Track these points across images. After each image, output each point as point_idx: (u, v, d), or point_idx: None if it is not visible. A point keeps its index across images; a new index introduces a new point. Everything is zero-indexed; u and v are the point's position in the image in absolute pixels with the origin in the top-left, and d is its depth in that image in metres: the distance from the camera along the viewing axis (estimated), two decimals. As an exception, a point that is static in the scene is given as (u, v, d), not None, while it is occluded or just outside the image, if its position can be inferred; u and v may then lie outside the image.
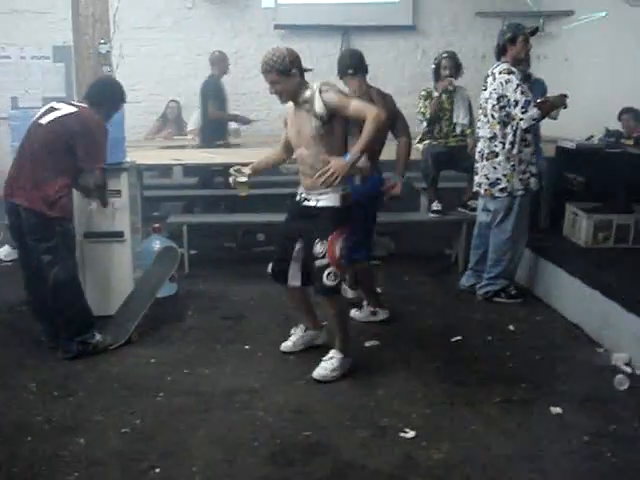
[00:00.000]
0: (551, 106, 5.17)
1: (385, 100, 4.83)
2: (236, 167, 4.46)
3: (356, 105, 3.95)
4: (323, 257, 4.08)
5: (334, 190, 4.04)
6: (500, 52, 5.28)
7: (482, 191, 5.39)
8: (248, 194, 4.50)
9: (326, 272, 4.08)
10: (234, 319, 5.24)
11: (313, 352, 4.57)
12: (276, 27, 9.51)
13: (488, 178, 5.30)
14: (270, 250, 6.55)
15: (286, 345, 4.63)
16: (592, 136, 6.63)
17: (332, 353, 4.28)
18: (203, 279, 6.10)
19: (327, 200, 4.07)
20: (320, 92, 3.94)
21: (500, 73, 5.16)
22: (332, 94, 3.94)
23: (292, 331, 4.71)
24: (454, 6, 9.65)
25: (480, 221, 5.60)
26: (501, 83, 5.12)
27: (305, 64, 9.26)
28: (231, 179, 4.43)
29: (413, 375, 4.25)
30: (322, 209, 4.10)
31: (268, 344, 4.74)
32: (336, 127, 4.01)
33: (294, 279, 4.37)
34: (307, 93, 4.00)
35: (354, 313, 5.06)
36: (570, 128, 6.98)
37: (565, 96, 5.22)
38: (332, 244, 4.07)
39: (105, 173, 4.51)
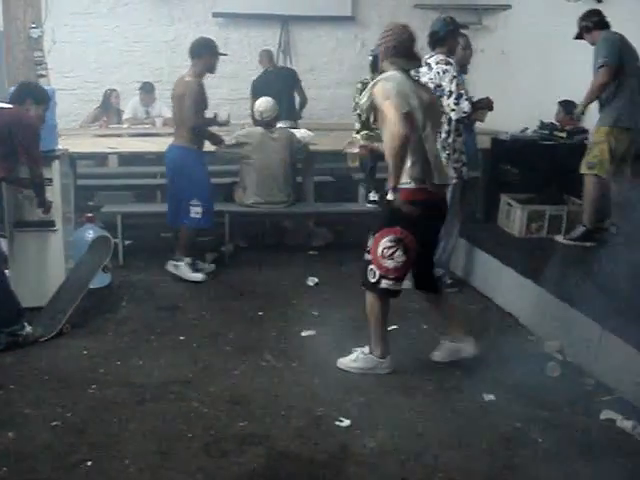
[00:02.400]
0: (481, 107, 5.30)
1: None
2: (352, 139, 4.42)
3: (387, 111, 3.78)
4: (368, 252, 4.04)
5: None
6: (437, 42, 5.29)
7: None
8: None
9: (369, 267, 4.02)
10: (169, 310, 5.18)
11: (248, 342, 4.56)
12: (214, 15, 9.40)
13: None
14: (208, 240, 6.52)
15: (434, 354, 4.38)
16: (526, 128, 6.74)
17: (362, 348, 4.22)
18: (138, 270, 6.00)
19: (391, 193, 3.91)
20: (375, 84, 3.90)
21: (437, 63, 5.19)
22: (378, 88, 3.86)
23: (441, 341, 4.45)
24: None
25: None
26: (438, 73, 5.16)
27: (243, 53, 9.22)
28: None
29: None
30: (387, 200, 3.96)
31: (203, 335, 4.71)
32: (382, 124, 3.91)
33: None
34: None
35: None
36: (506, 120, 7.08)
37: (490, 100, 5.42)
38: (377, 241, 3.98)
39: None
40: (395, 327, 4.81)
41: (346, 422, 3.59)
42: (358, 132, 6.20)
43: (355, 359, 4.19)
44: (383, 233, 3.95)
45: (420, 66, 4.04)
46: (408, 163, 3.85)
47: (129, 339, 4.64)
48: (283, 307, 5.16)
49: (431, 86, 5.17)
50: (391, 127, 3.74)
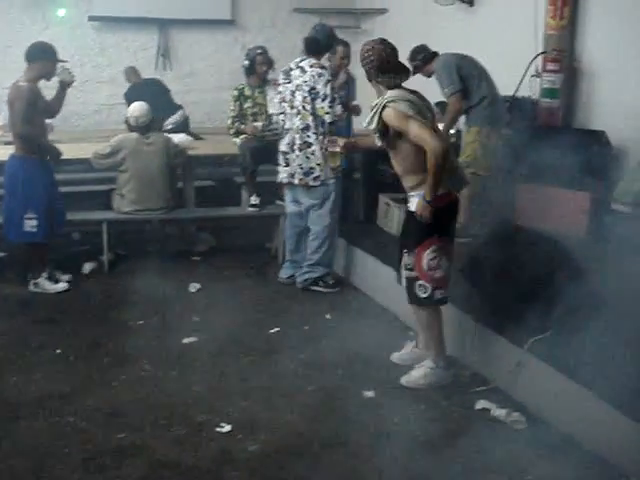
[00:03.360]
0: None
1: None
2: (331, 137, 4.58)
3: (416, 132, 3.75)
4: (412, 269, 3.98)
5: (419, 194, 3.88)
6: (315, 50, 5.36)
7: (296, 181, 5.45)
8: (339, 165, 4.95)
9: (417, 284, 3.97)
10: (45, 323, 4.99)
11: (128, 352, 4.47)
12: (90, 19, 9.15)
13: (302, 168, 5.39)
14: (85, 250, 6.35)
15: (394, 356, 4.44)
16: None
17: (425, 362, 4.13)
18: (9, 282, 5.75)
19: (412, 203, 3.93)
20: (383, 108, 3.83)
21: (312, 67, 5.27)
22: (391, 112, 3.81)
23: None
24: (272, 2, 9.71)
25: (291, 212, 5.70)
26: (313, 76, 5.24)
27: (121, 57, 9.00)
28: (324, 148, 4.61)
29: (229, 370, 4.24)
30: (411, 213, 3.95)
31: (81, 347, 4.58)
32: (398, 142, 3.89)
33: None
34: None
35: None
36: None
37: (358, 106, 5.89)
38: (419, 256, 3.93)
39: None
40: (277, 329, 4.84)
41: (227, 427, 3.58)
42: (236, 135, 6.18)
43: (424, 375, 4.09)
44: (423, 247, 3.93)
45: (408, 75, 4.05)
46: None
47: (3, 354, 4.46)
48: (164, 315, 5.07)
49: (306, 89, 5.24)
50: (428, 145, 3.69)
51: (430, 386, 4.05)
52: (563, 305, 3.73)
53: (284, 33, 9.59)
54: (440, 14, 7.61)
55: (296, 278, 5.64)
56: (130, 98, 7.72)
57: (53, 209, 5.55)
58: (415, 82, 5.97)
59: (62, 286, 5.59)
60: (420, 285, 3.98)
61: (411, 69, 5.85)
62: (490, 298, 4.26)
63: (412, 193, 3.97)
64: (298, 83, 5.28)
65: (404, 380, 4.11)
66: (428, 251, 3.92)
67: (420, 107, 3.87)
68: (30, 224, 5.40)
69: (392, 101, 3.82)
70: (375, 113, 3.88)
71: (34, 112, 5.27)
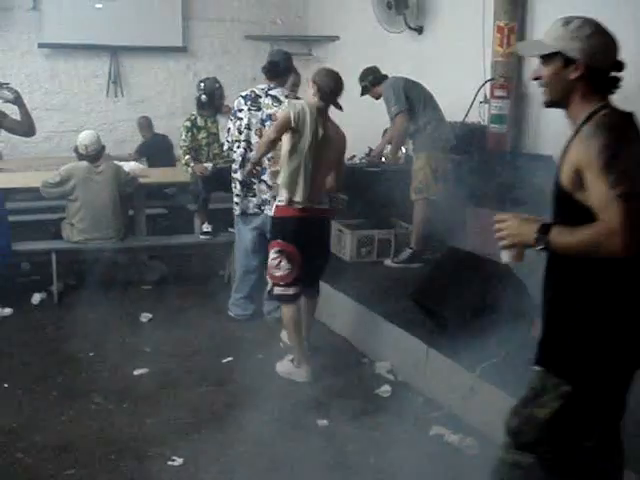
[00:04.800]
0: None
1: None
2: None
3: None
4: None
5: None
6: (277, 74, 5.27)
7: (267, 211, 5.10)
8: None
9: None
10: (-9, 355, 4.89)
11: (77, 385, 4.40)
12: (40, 46, 9.07)
13: (275, 197, 5.26)
14: (35, 280, 6.24)
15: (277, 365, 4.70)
16: (354, 156, 6.93)
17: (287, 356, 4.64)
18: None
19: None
20: None
21: (287, 97, 5.13)
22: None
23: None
24: (224, 29, 9.74)
25: (247, 243, 5.46)
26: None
27: (72, 85, 8.93)
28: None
29: (181, 401, 4.18)
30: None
31: (30, 380, 4.47)
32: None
33: None
34: None
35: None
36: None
37: None
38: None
39: None
40: (230, 359, 4.79)
41: (179, 461, 3.53)
42: (187, 164, 6.13)
43: (282, 363, 4.59)
44: (270, 246, 4.47)
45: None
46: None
47: (-53, 389, 4.36)
48: (115, 346, 4.98)
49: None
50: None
51: (283, 375, 4.52)
52: (511, 329, 3.77)
53: (236, 60, 9.64)
54: (390, 41, 7.71)
55: (264, 310, 5.51)
56: (143, 153, 8.11)
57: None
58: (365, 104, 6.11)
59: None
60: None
61: (360, 89, 5.97)
62: (441, 324, 4.29)
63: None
64: (270, 112, 5.16)
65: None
66: (272, 251, 4.40)
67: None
68: None
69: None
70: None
71: None
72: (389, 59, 7.36)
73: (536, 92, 6.04)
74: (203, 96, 6.20)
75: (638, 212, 2.05)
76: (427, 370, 4.32)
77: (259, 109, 5.17)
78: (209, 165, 5.93)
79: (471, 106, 6.20)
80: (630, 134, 2.20)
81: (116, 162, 6.39)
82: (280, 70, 5.30)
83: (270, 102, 5.14)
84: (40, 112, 8.64)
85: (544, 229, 2.22)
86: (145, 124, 8.56)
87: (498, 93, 6.15)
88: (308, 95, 4.45)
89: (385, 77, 5.93)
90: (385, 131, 6.81)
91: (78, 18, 9.00)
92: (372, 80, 5.93)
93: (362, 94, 6.05)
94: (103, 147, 6.07)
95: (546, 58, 2.30)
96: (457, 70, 6.62)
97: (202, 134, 6.18)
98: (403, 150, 6.39)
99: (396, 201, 5.88)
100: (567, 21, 2.27)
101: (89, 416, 4.03)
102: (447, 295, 4.26)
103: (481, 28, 6.27)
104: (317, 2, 9.81)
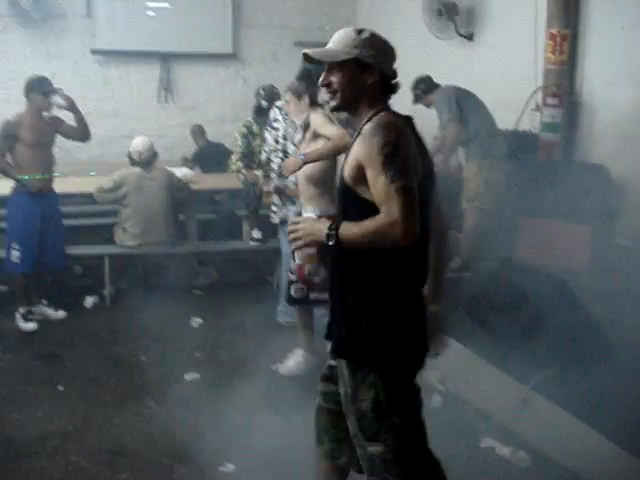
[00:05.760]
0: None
1: None
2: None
3: None
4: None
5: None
6: (311, 82, 5.29)
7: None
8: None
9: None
10: (47, 358, 4.98)
11: (130, 389, 4.46)
12: (93, 52, 9.24)
13: None
14: (87, 284, 6.35)
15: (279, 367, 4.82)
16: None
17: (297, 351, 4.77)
18: (12, 316, 5.73)
19: None
20: None
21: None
22: None
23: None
24: (273, 36, 9.80)
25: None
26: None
27: (123, 91, 9.04)
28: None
29: (233, 407, 4.20)
30: None
31: (84, 383, 4.57)
32: None
33: None
34: None
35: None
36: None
37: None
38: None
39: None
40: (280, 365, 4.80)
41: (230, 467, 3.55)
42: (238, 171, 6.18)
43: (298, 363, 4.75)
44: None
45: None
46: None
47: (4, 392, 4.45)
48: (166, 350, 5.05)
49: None
50: None
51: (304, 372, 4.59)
52: (567, 342, 3.73)
53: (286, 67, 9.66)
54: (440, 48, 7.67)
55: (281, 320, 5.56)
56: (198, 160, 8.20)
57: (43, 242, 5.57)
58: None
59: (30, 326, 5.53)
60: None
61: (413, 97, 5.96)
62: (494, 334, 4.25)
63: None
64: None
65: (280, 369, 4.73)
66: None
67: None
68: (15, 255, 5.49)
69: None
70: None
71: (11, 145, 5.37)
72: (438, 66, 7.33)
73: (588, 100, 6.06)
74: (264, 102, 6.15)
75: (414, 204, 2.24)
76: (478, 381, 4.29)
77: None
78: (260, 173, 5.96)
79: (522, 114, 6.15)
80: (407, 133, 2.37)
81: (168, 168, 6.47)
82: (315, 78, 5.29)
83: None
84: (92, 118, 8.74)
85: (334, 226, 2.36)
86: (198, 132, 8.65)
87: (550, 101, 6.08)
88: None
89: (437, 86, 5.92)
90: (435, 138, 6.80)
91: (130, 25, 9.16)
92: (424, 88, 5.94)
93: (414, 102, 6.05)
94: (156, 153, 6.17)
95: (340, 64, 2.42)
96: (508, 77, 6.56)
97: (257, 141, 6.20)
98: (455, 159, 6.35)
99: (446, 210, 5.83)
100: (359, 30, 2.43)
101: (141, 420, 4.09)
102: (500, 306, 4.21)
103: (533, 35, 6.22)
104: (366, 8, 9.81)
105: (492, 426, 3.99)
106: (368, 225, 2.28)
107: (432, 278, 2.64)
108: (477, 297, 4.54)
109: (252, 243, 6.29)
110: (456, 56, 7.54)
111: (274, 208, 5.34)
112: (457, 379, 4.41)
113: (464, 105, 5.70)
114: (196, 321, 5.62)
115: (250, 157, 6.20)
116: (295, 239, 2.47)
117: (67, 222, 6.16)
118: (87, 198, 6.41)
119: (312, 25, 9.81)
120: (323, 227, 2.37)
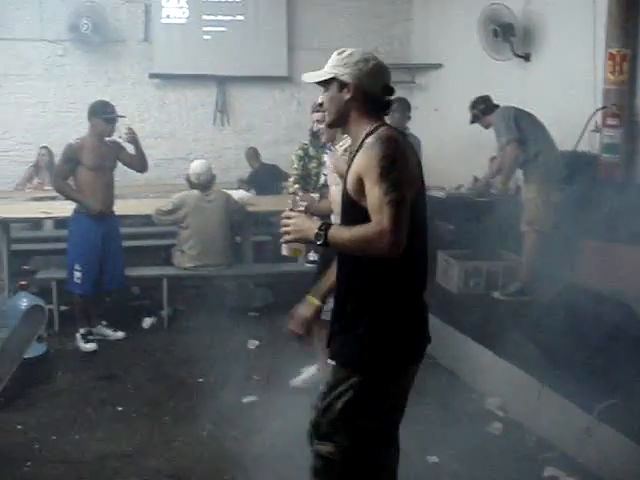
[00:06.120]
0: None
1: None
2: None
3: None
4: None
5: None
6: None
7: None
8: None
9: None
10: (107, 379, 5.05)
11: (188, 411, 4.48)
12: (151, 76, 9.42)
13: None
14: (145, 304, 6.42)
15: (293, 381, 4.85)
16: (461, 185, 6.86)
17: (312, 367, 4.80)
18: (73, 337, 5.82)
19: None
20: None
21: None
22: None
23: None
24: (328, 58, 9.83)
25: None
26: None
27: (180, 114, 9.18)
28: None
29: (291, 431, 4.14)
30: None
31: (142, 404, 4.60)
32: None
33: None
34: None
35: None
36: (441, 177, 7.20)
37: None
38: None
39: None
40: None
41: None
42: (295, 194, 6.19)
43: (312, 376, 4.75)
44: None
45: None
46: None
47: (65, 411, 4.51)
48: (223, 372, 5.03)
49: None
50: None
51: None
52: (632, 370, 3.63)
53: (340, 89, 9.72)
54: (496, 69, 7.63)
55: None
56: (252, 182, 8.42)
57: (103, 263, 5.68)
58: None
59: (90, 347, 5.61)
60: None
61: (470, 117, 5.93)
62: (556, 361, 4.17)
63: None
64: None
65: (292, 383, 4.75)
66: None
67: None
68: (77, 276, 5.61)
69: None
70: None
71: (73, 168, 5.50)
72: (495, 87, 7.27)
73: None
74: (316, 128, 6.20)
75: (404, 217, 2.30)
76: (540, 408, 4.20)
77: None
78: (316, 196, 5.96)
79: (582, 135, 6.06)
80: (404, 147, 2.44)
81: (225, 190, 6.53)
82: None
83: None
84: (150, 140, 8.94)
85: (325, 227, 2.39)
86: (252, 154, 8.75)
87: (610, 122, 5.99)
88: None
89: (496, 106, 5.87)
90: (492, 159, 6.74)
91: (187, 49, 9.35)
92: (483, 109, 5.89)
93: (472, 122, 6.01)
94: (214, 176, 6.23)
95: (325, 84, 2.57)
96: (566, 98, 6.49)
97: (313, 163, 6.22)
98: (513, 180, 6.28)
99: (505, 232, 5.78)
100: (341, 51, 2.58)
101: (200, 443, 4.10)
102: (563, 332, 4.13)
103: (591, 55, 6.15)
104: (421, 30, 9.82)
105: (555, 455, 3.90)
106: (358, 230, 2.34)
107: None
108: (539, 322, 4.46)
109: (307, 265, 6.29)
110: (513, 77, 7.49)
111: None
112: (518, 406, 4.32)
113: (523, 126, 5.63)
114: (252, 343, 5.64)
115: (305, 179, 6.22)
116: (285, 232, 2.52)
117: (125, 243, 6.25)
118: (145, 219, 6.50)
119: (366, 47, 9.69)
120: (314, 226, 2.42)
